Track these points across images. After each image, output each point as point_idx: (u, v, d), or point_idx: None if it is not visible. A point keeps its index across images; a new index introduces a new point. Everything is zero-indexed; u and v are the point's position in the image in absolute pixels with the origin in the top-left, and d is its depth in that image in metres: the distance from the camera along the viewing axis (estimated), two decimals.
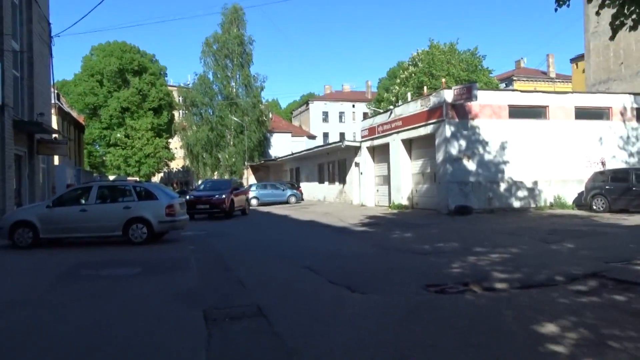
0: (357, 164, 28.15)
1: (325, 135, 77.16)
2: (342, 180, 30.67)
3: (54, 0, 35.78)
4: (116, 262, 9.63)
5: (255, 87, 56.37)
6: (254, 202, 32.75)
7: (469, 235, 12.95)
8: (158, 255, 10.50)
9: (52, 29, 23.31)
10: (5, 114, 15.87)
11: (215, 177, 60.18)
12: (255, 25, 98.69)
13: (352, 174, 28.77)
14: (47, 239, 11.89)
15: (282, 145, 60.11)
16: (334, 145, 30.22)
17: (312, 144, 59.84)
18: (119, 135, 62.35)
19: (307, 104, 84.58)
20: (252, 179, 49.56)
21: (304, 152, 37.53)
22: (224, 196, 20.84)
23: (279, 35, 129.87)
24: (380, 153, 25.73)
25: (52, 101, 38.49)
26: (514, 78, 61.12)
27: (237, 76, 56.07)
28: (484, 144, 19.45)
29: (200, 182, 22.93)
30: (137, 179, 59.40)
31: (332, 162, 32.25)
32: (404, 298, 6.24)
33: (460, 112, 19.29)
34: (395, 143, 23.11)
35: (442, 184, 19.36)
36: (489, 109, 19.58)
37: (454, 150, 19.15)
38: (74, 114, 61.51)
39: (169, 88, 69.32)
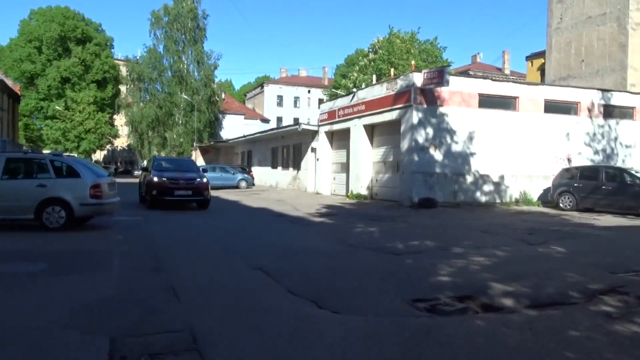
0: (313, 150, 26.53)
1: (279, 119, 75.13)
2: (297, 166, 28.99)
3: None
4: (17, 254, 7.61)
5: (208, 65, 53.58)
6: None
7: (441, 232, 11.63)
8: (75, 245, 8.52)
9: None
10: None
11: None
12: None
13: (308, 159, 27.14)
14: None
15: (233, 127, 57.66)
16: (290, 128, 28.46)
17: (265, 127, 57.72)
18: (57, 107, 58.02)
19: (262, 86, 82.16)
20: (200, 161, 47.00)
21: (257, 135, 35.55)
22: (205, 180, 16.54)
23: (235, 11, 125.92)
24: (340, 139, 24.20)
25: None
26: (470, 72, 61.00)
27: (189, 52, 53.05)
28: (452, 133, 18.25)
29: (150, 160, 19.96)
30: (76, 155, 55.50)
31: (287, 147, 30.49)
32: (390, 321, 4.70)
33: (429, 97, 17.97)
34: (357, 128, 21.63)
35: (406, 174, 18.04)
36: (458, 96, 18.37)
37: (420, 138, 17.84)
38: (9, 82, 56.79)
39: (117, 62, 65.15)
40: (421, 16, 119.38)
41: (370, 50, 57.88)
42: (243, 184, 31.44)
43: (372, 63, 54.07)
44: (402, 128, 18.31)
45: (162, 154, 55.57)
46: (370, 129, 21.34)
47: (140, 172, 21.97)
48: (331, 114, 24.30)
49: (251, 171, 34.58)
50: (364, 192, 21.18)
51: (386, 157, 20.32)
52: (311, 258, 7.98)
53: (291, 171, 29.89)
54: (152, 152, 54.09)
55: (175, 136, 52.04)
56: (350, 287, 6.06)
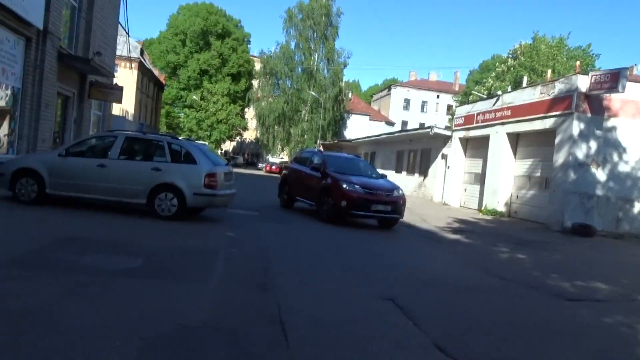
0: (444, 156, 24.28)
1: (404, 123, 72.78)
2: (424, 173, 26.88)
3: None
4: (116, 245, 6.73)
5: (338, 63, 53.07)
6: None
7: (614, 272, 9.18)
8: (180, 240, 7.53)
9: None
10: (47, 42, 13.52)
11: (285, 152, 57.85)
12: None
13: (437, 166, 24.93)
14: (55, 196, 9.26)
15: (357, 128, 56.62)
16: (420, 131, 26.42)
17: (389, 129, 55.95)
18: (194, 97, 61.30)
19: (389, 88, 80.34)
20: None
21: (384, 136, 33.90)
22: (402, 192, 12.44)
23: (368, 10, 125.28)
24: (476, 146, 21.75)
25: (128, 50, 37.07)
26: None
27: (320, 49, 52.94)
28: (621, 149, 15.14)
29: (308, 156, 14.65)
30: (207, 143, 58.20)
31: (415, 151, 28.47)
32: None
33: (595, 105, 15.05)
34: (498, 136, 19.09)
35: (558, 193, 15.28)
36: (632, 107, 15.19)
37: (580, 153, 14.99)
38: (155, 71, 61.23)
39: (251, 58, 67.34)
40: (572, 21, 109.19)
41: (511, 55, 53.52)
42: None
43: (512, 69, 49.95)
44: (558, 139, 15.55)
45: (285, 150, 56.27)
46: (515, 138, 18.70)
47: (281, 167, 20.17)
48: (468, 119, 21.92)
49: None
50: (500, 208, 18.61)
51: (532, 171, 17.59)
52: (455, 292, 6.17)
53: (417, 177, 27.84)
54: (277, 146, 54.89)
55: (299, 132, 52.25)
56: (526, 354, 4.19)
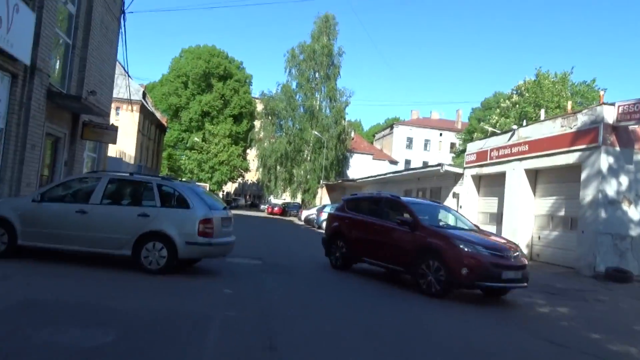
0: (455, 195, 23.10)
1: (408, 162, 72.16)
2: None
3: None
4: (87, 311, 5.47)
5: (340, 102, 52.63)
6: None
7: None
8: (167, 302, 6.27)
9: (125, 2, 20.60)
10: (36, 79, 12.60)
11: (287, 193, 56.74)
12: (346, 35, 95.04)
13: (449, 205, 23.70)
14: (29, 248, 8.06)
15: (361, 167, 55.80)
16: (429, 169, 25.32)
17: (393, 168, 55.04)
18: (196, 139, 60.77)
19: (392, 127, 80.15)
20: (326, 199, 45.44)
21: (390, 175, 32.81)
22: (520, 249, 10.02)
23: (370, 49, 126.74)
24: (490, 184, 20.60)
25: (128, 92, 36.55)
26: None
27: (322, 89, 52.65)
28: None
29: (351, 196, 12.53)
30: (208, 186, 57.14)
31: (423, 190, 27.31)
32: None
33: (624, 138, 13.99)
34: (516, 173, 17.97)
35: (588, 233, 14.01)
36: None
37: (610, 189, 13.82)
38: (157, 114, 60.94)
39: (253, 99, 67.13)
40: (574, 57, 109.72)
41: (515, 92, 53.20)
42: None
43: (516, 106, 49.44)
44: (584, 175, 14.41)
45: (288, 191, 55.16)
46: (534, 175, 17.57)
47: (321, 214, 12.99)
48: (481, 155, 20.85)
49: None
50: (522, 248, 17.27)
51: (555, 210, 16.37)
52: None
53: None
54: (279, 187, 53.83)
55: (302, 172, 51.34)
56: None
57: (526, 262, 8.93)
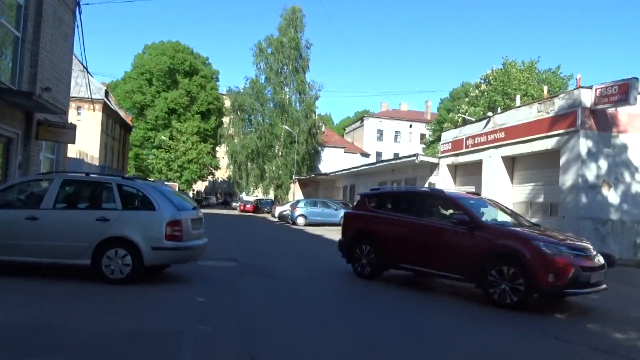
0: (431, 185, 22.78)
1: (379, 154, 72.07)
2: None
3: None
4: (33, 334, 4.70)
5: (310, 95, 51.91)
6: (300, 220, 27.91)
7: None
8: (131, 317, 5.53)
9: None
10: None
11: (259, 190, 55.91)
12: (313, 28, 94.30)
13: None
14: None
15: (333, 161, 55.29)
16: (404, 160, 24.93)
17: (365, 161, 54.73)
18: (163, 137, 59.17)
19: (362, 120, 79.98)
20: (299, 195, 44.79)
21: (364, 167, 32.38)
22: None
23: (338, 42, 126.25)
24: (467, 173, 20.32)
25: (88, 88, 35.12)
26: None
27: (291, 82, 51.83)
28: (633, 168, 13.83)
29: (376, 191, 10.75)
30: (177, 185, 55.72)
31: (398, 181, 26.95)
32: None
33: (602, 121, 13.78)
34: (492, 160, 17.69)
35: (569, 218, 13.78)
36: None
37: (589, 173, 13.61)
38: (121, 113, 59.06)
39: (220, 95, 65.77)
40: (540, 46, 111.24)
41: (483, 81, 53.60)
42: None
43: (485, 94, 49.80)
44: (563, 160, 14.17)
45: (260, 187, 54.25)
46: (511, 162, 17.32)
47: (345, 212, 9.90)
48: (456, 144, 20.54)
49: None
50: None
51: (534, 196, 16.14)
52: None
53: None
54: (250, 184, 52.91)
55: (274, 168, 50.53)
56: None
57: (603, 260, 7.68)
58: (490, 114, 18.42)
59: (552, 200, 15.03)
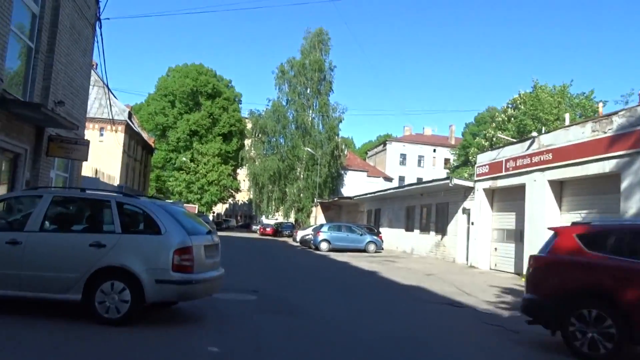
0: (465, 211, 21.22)
1: (402, 178, 70.59)
2: (441, 230, 23.70)
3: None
4: None
5: (333, 118, 50.90)
6: (324, 245, 26.47)
7: None
8: None
9: (101, 8, 18.75)
10: None
11: (280, 213, 54.73)
12: (335, 50, 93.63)
13: (458, 223, 21.79)
14: None
15: (355, 185, 53.85)
16: (436, 183, 23.41)
17: (387, 186, 53.26)
18: (184, 159, 58.61)
19: (385, 144, 78.75)
20: (321, 219, 43.41)
21: (390, 191, 30.90)
22: None
23: (361, 64, 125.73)
24: (506, 198, 18.75)
25: (108, 107, 34.55)
26: None
27: (314, 104, 50.94)
28: None
29: (606, 225, 7.14)
30: (197, 207, 54.83)
31: (428, 206, 25.41)
32: None
33: None
34: (537, 184, 16.13)
35: None
36: None
37: None
38: (144, 134, 58.80)
39: (243, 118, 65.11)
40: (570, 70, 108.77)
41: (510, 105, 52.11)
42: (372, 247, 26.75)
43: (513, 119, 48.31)
44: (625, 184, 12.56)
45: (281, 210, 53.00)
46: (559, 186, 15.73)
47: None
48: (494, 167, 19.02)
49: (380, 233, 29.81)
50: None
51: None
52: None
53: (433, 236, 24.63)
54: (271, 207, 51.70)
55: (295, 191, 49.32)
56: None
57: None
58: (534, 133, 16.96)
59: None
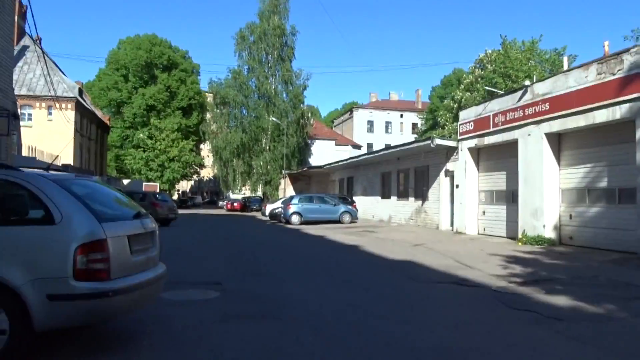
0: (448, 173, 19.57)
1: (370, 146, 68.97)
2: (421, 196, 22.05)
3: None
4: None
5: (297, 85, 48.45)
6: (295, 219, 24.56)
7: None
8: None
9: None
10: None
11: (247, 187, 52.42)
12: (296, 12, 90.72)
13: (440, 187, 20.16)
14: None
15: (323, 154, 51.78)
16: (416, 145, 21.59)
17: (356, 154, 51.45)
18: (141, 135, 55.21)
19: (351, 111, 76.83)
20: (290, 190, 41.38)
21: (364, 157, 29.05)
22: None
23: (323, 27, 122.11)
24: (495, 156, 17.12)
25: (48, 80, 31.49)
26: None
27: (277, 72, 48.23)
28: None
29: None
30: (158, 185, 51.88)
31: (405, 171, 23.69)
32: None
33: None
34: (532, 139, 14.48)
35: None
36: None
37: None
38: (98, 112, 54.89)
39: (202, 91, 61.63)
40: (539, 26, 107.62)
41: (477, 66, 50.43)
42: (346, 217, 24.99)
43: (481, 79, 46.68)
44: None
45: (248, 184, 50.66)
46: (556, 139, 14.10)
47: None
48: (480, 123, 17.29)
49: (354, 202, 28.04)
50: (548, 234, 13.83)
51: (593, 181, 12.92)
52: None
53: (412, 202, 22.98)
54: (237, 182, 49.35)
55: (261, 163, 46.97)
56: None
57: None
58: (527, 82, 15.19)
59: (622, 185, 11.84)
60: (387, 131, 75.73)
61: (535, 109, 14.34)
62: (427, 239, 16.19)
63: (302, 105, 48.86)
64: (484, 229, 17.61)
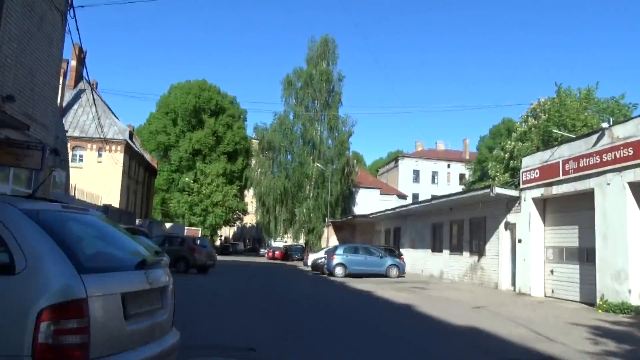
0: (509, 226, 17.78)
1: (415, 196, 67.01)
2: (477, 250, 20.18)
3: None
4: None
5: (343, 132, 47.69)
6: (339, 271, 23.03)
7: None
8: None
9: None
10: None
11: (289, 235, 51.20)
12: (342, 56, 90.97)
13: (499, 241, 18.31)
14: None
15: (368, 203, 50.26)
16: (473, 194, 19.92)
17: (401, 204, 49.68)
18: (187, 179, 55.41)
19: (396, 160, 75.46)
20: (333, 240, 39.89)
21: (413, 207, 27.44)
22: None
23: (367, 71, 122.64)
24: (563, 208, 15.34)
25: (92, 104, 31.63)
26: None
27: (322, 117, 47.78)
28: None
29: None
30: (200, 231, 51.34)
31: (459, 222, 21.95)
32: None
33: None
34: (613, 189, 12.72)
35: None
36: None
37: None
38: (147, 156, 55.75)
39: (248, 137, 61.89)
40: (594, 74, 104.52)
41: (530, 114, 48.56)
42: (394, 271, 23.26)
43: (534, 129, 44.66)
44: None
45: (290, 232, 49.28)
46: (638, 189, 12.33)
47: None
48: (546, 171, 15.63)
49: (401, 255, 26.29)
50: (635, 301, 11.83)
51: None
52: None
53: (467, 257, 21.09)
54: (279, 229, 48.26)
55: (304, 211, 45.84)
56: None
57: None
58: (604, 124, 13.60)
59: None
60: (433, 181, 73.81)
61: (615, 155, 12.66)
62: (488, 301, 14.36)
63: (347, 152, 47.99)
64: (552, 291, 15.60)
